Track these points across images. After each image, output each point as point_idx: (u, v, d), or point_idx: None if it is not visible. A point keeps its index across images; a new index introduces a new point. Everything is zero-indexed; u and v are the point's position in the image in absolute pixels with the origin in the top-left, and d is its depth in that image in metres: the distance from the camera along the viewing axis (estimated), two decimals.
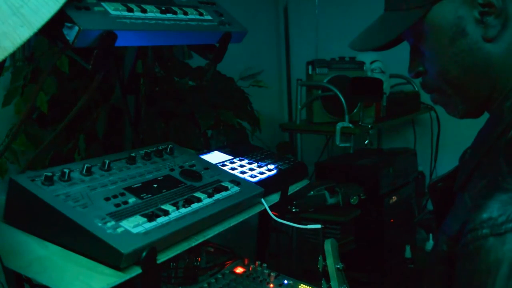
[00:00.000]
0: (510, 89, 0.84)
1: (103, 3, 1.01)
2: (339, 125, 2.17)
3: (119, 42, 1.00)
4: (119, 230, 0.90)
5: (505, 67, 0.84)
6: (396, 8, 0.92)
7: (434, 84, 0.92)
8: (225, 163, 1.37)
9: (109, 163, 1.10)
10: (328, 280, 1.17)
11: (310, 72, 2.39)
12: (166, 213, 0.99)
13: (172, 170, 1.19)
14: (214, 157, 1.40)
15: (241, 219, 1.16)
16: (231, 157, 1.42)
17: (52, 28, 0.92)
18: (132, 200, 1.01)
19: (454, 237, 0.81)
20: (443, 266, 0.86)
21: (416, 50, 0.94)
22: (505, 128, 0.82)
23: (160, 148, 1.26)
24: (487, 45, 0.84)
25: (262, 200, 1.25)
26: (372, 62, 2.44)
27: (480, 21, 0.83)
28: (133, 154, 1.18)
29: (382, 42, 0.93)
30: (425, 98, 2.62)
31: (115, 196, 1.01)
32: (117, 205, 0.98)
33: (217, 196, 1.12)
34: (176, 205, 1.03)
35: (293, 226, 1.36)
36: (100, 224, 0.90)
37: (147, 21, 1.07)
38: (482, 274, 0.73)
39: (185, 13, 1.17)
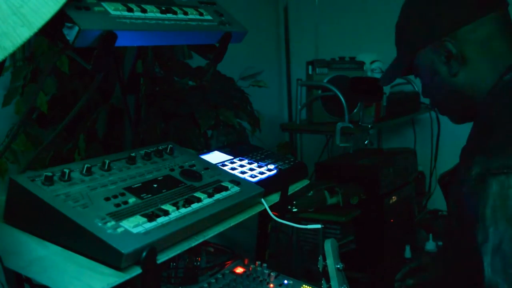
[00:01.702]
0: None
1: (103, 3, 1.01)
2: (339, 125, 2.17)
3: (119, 42, 1.00)
4: (119, 230, 0.90)
5: (472, 91, 1.15)
6: (398, 49, 1.28)
7: (431, 100, 1.29)
8: (225, 163, 1.37)
9: (109, 163, 1.10)
10: (328, 280, 1.17)
11: (310, 72, 2.39)
12: (166, 213, 0.99)
13: (172, 170, 1.19)
14: (214, 157, 1.40)
15: (241, 219, 1.16)
16: (231, 157, 1.42)
17: (52, 28, 0.92)
18: (132, 200, 1.01)
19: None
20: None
21: None
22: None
23: (160, 148, 1.26)
24: (454, 79, 1.15)
25: (262, 200, 1.25)
26: (372, 62, 2.44)
27: (446, 63, 1.14)
28: (133, 154, 1.18)
29: (392, 80, 1.33)
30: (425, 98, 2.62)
31: (115, 196, 1.01)
32: (117, 205, 0.98)
33: (217, 196, 1.12)
34: (176, 205, 1.03)
35: (293, 226, 1.36)
36: (100, 224, 0.90)
37: (147, 21, 1.07)
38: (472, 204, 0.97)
39: (185, 13, 1.17)
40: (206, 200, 1.09)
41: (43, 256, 0.91)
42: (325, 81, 2.33)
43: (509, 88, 1.09)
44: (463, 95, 1.15)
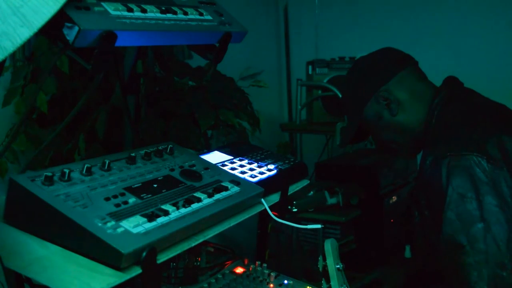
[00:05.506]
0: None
1: (103, 3, 1.01)
2: (339, 125, 2.17)
3: (119, 42, 1.00)
4: (119, 230, 0.90)
5: (412, 123, 1.48)
6: (348, 113, 1.62)
7: (383, 146, 1.58)
8: (225, 163, 1.37)
9: (109, 163, 1.10)
10: (328, 280, 1.17)
11: (310, 72, 2.39)
12: (166, 213, 0.99)
13: (172, 170, 1.19)
14: (214, 157, 1.40)
15: (241, 219, 1.16)
16: (231, 157, 1.42)
17: (52, 28, 0.92)
18: (132, 200, 1.01)
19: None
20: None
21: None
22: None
23: (160, 148, 1.26)
24: (396, 118, 1.49)
25: (262, 200, 1.25)
26: None
27: (386, 107, 1.49)
28: (133, 154, 1.18)
29: (350, 140, 1.63)
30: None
31: (115, 196, 1.01)
32: (117, 205, 0.98)
33: (217, 196, 1.12)
34: (176, 205, 1.03)
35: (293, 226, 1.36)
36: (100, 224, 0.90)
37: (147, 21, 1.07)
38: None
39: (185, 13, 1.17)
40: (206, 200, 1.09)
41: (43, 256, 0.91)
42: (325, 81, 2.33)
43: (441, 105, 1.43)
44: (406, 128, 1.49)
